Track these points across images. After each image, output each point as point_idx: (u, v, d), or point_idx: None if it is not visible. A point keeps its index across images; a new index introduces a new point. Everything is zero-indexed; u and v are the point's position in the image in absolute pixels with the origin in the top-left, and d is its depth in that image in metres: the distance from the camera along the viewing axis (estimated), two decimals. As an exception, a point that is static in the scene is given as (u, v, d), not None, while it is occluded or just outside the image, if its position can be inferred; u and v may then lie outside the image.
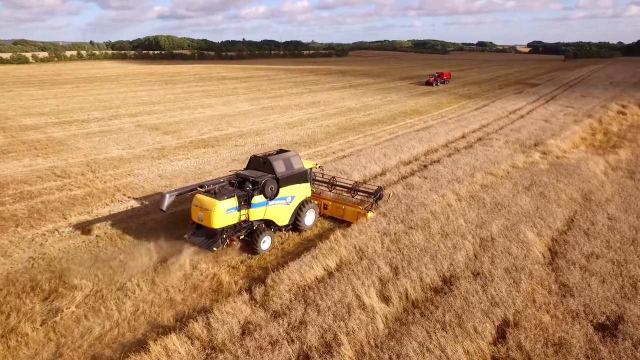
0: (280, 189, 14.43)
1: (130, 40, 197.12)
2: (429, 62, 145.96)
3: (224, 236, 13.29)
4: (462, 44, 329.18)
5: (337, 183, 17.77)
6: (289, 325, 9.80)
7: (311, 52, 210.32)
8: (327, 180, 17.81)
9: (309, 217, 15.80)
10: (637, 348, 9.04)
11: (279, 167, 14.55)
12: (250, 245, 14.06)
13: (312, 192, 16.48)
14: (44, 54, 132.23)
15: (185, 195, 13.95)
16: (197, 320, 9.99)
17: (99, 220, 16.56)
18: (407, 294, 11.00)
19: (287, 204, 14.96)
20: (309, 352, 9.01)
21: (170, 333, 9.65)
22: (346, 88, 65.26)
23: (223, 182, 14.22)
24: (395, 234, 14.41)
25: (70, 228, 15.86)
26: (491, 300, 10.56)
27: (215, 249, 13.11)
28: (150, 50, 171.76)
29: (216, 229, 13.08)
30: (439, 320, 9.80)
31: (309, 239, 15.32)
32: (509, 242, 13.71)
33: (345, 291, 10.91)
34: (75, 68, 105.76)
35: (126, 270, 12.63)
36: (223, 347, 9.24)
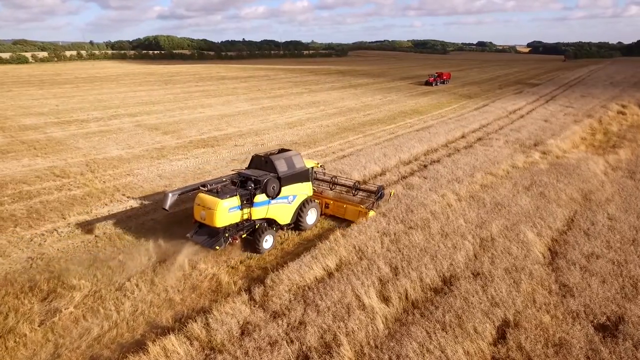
0: (282, 188, 14.44)
1: (130, 40, 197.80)
2: (429, 62, 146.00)
3: (227, 235, 13.32)
4: (462, 44, 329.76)
5: (339, 182, 17.78)
6: (288, 326, 9.76)
7: (311, 52, 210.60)
8: (329, 179, 17.83)
9: (311, 216, 15.84)
10: (638, 348, 9.01)
11: (281, 166, 14.58)
12: (252, 244, 14.06)
13: (314, 191, 16.48)
14: (44, 54, 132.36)
15: (187, 195, 13.94)
16: (196, 321, 9.96)
17: (98, 220, 16.53)
18: (407, 294, 10.97)
19: (289, 202, 14.97)
20: (309, 353, 8.97)
21: (169, 333, 9.62)
22: (346, 88, 65.22)
23: (225, 181, 14.23)
24: (395, 234, 14.38)
25: (69, 228, 15.83)
26: (491, 300, 10.53)
27: (217, 247, 13.13)
28: (150, 50, 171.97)
29: (219, 227, 13.11)
30: (439, 321, 9.77)
31: (308, 239, 15.29)
32: (509, 242, 13.68)
33: (345, 291, 10.88)
34: (75, 68, 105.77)
35: (125, 270, 12.60)
36: (222, 348, 9.21)
